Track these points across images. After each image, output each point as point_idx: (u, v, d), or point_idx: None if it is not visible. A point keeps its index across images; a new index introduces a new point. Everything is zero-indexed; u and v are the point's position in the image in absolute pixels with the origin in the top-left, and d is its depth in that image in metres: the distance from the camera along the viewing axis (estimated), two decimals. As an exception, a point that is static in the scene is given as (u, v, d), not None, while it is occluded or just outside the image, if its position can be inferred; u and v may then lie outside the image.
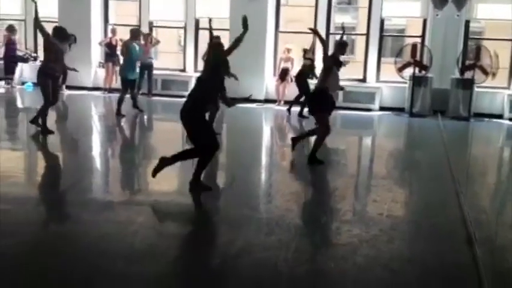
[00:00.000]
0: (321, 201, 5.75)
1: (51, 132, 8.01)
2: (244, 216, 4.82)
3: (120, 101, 9.93)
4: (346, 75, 12.08)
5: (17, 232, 4.26)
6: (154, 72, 13.16)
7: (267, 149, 8.87)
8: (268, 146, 9.26)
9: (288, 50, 11.97)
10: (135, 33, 10.45)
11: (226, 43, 12.44)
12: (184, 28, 13.45)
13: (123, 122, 9.82)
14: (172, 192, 5.65)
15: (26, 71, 13.71)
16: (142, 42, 12.98)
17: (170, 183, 5.89)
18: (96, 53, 13.62)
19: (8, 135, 8.56)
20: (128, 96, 10.14)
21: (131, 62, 10.08)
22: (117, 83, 13.23)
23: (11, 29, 13.40)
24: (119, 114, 9.93)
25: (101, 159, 7.36)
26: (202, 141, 5.22)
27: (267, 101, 12.47)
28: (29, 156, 7.48)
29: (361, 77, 12.73)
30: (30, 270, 3.62)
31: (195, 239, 4.52)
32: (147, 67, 12.88)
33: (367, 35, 12.54)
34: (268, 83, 12.64)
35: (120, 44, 13.06)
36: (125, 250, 4.00)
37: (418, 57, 11.67)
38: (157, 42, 13.16)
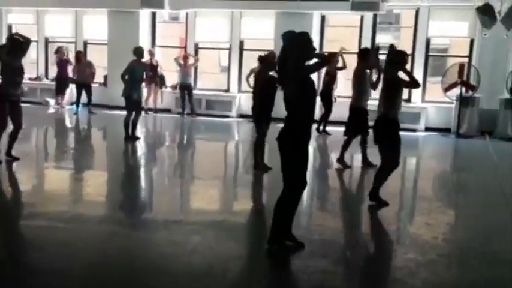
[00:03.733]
0: (372, 223, 5.69)
1: (17, 158, 7.44)
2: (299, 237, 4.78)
3: (127, 124, 9.35)
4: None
5: (79, 252, 4.38)
6: (198, 92, 13.47)
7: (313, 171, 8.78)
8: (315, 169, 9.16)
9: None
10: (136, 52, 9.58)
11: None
12: (229, 49, 13.65)
13: (170, 142, 9.97)
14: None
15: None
16: (184, 62, 13.21)
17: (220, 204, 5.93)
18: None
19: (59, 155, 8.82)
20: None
21: (134, 82, 9.41)
22: (162, 103, 13.68)
23: (60, 51, 13.84)
24: (129, 137, 9.34)
25: (147, 179, 7.49)
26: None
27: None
28: (75, 176, 7.66)
29: (405, 97, 12.59)
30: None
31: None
32: (187, 87, 13.15)
33: (413, 55, 12.44)
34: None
35: (160, 64, 13.45)
36: (184, 269, 4.04)
37: (465, 77, 11.51)
38: (196, 62, 13.46)
